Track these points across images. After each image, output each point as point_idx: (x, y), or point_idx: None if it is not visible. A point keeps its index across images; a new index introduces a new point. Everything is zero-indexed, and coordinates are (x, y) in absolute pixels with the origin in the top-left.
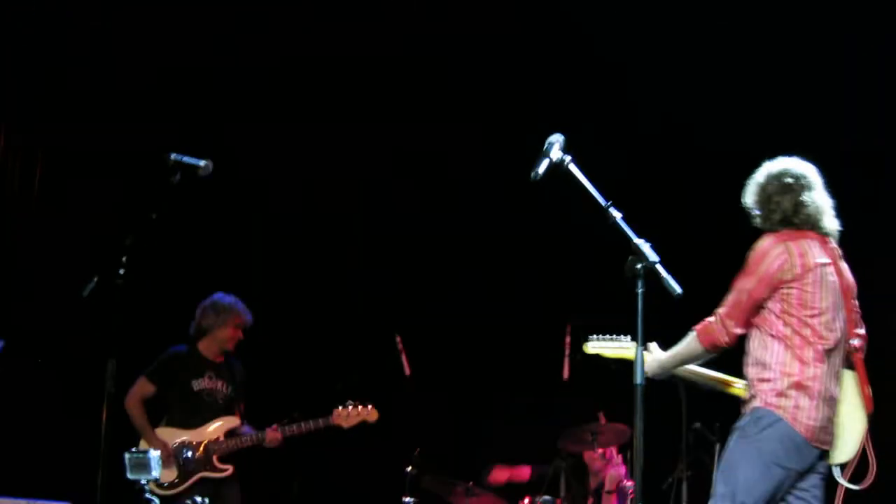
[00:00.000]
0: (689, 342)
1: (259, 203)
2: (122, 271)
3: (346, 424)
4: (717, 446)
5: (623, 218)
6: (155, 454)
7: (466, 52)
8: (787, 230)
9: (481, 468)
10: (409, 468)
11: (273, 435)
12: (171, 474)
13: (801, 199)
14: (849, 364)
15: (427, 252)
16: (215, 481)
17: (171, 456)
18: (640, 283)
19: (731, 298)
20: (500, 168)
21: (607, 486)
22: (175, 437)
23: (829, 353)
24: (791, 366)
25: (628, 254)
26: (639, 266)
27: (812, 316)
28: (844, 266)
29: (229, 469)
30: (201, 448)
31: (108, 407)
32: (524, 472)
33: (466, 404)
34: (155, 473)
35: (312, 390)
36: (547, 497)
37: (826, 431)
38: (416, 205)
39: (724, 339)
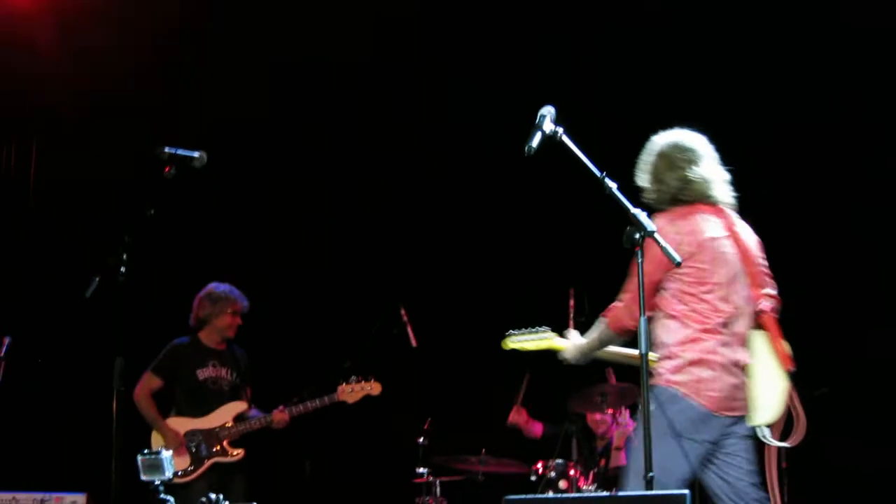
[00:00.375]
0: (602, 329)
1: (257, 181)
2: (122, 269)
3: (350, 400)
4: None
5: (619, 188)
6: (167, 454)
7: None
8: (678, 207)
9: (493, 435)
10: (421, 439)
11: (280, 416)
12: (184, 462)
13: (687, 174)
14: (760, 325)
15: (430, 222)
16: (226, 467)
17: (183, 444)
18: (639, 253)
19: (632, 284)
20: (503, 134)
21: (615, 443)
22: (185, 426)
23: (727, 324)
24: (688, 343)
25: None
26: (637, 236)
27: (708, 292)
28: (743, 229)
29: (240, 453)
30: (212, 435)
31: (118, 403)
32: (537, 428)
33: (475, 372)
34: (168, 473)
35: (319, 369)
36: (559, 460)
37: (733, 398)
38: (419, 175)
39: (631, 323)
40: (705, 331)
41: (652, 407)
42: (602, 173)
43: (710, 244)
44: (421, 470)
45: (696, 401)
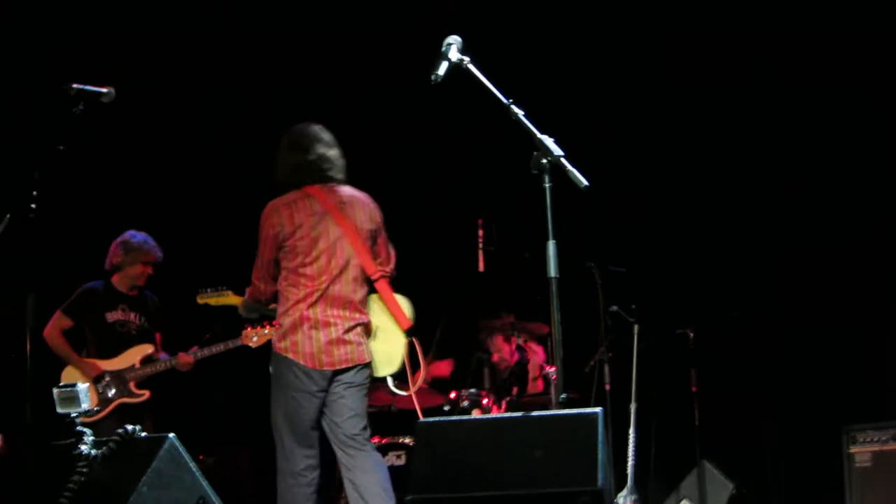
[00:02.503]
0: (246, 295)
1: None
2: (33, 206)
3: (253, 344)
4: (635, 327)
5: (525, 115)
6: (83, 387)
7: None
8: (291, 192)
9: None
10: None
11: (185, 359)
12: (91, 402)
13: (295, 161)
14: (376, 290)
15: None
16: (133, 407)
17: (91, 384)
18: (546, 178)
19: (256, 261)
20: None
21: (532, 374)
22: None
23: (325, 291)
24: (289, 310)
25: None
26: (544, 161)
27: (305, 264)
28: (356, 208)
29: (146, 394)
30: (118, 376)
31: (31, 340)
32: (443, 368)
33: None
34: (84, 405)
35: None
36: (472, 390)
37: (330, 353)
38: (329, 101)
39: (261, 296)
40: (301, 300)
41: (271, 369)
42: (508, 100)
43: (307, 223)
44: None
45: (297, 360)
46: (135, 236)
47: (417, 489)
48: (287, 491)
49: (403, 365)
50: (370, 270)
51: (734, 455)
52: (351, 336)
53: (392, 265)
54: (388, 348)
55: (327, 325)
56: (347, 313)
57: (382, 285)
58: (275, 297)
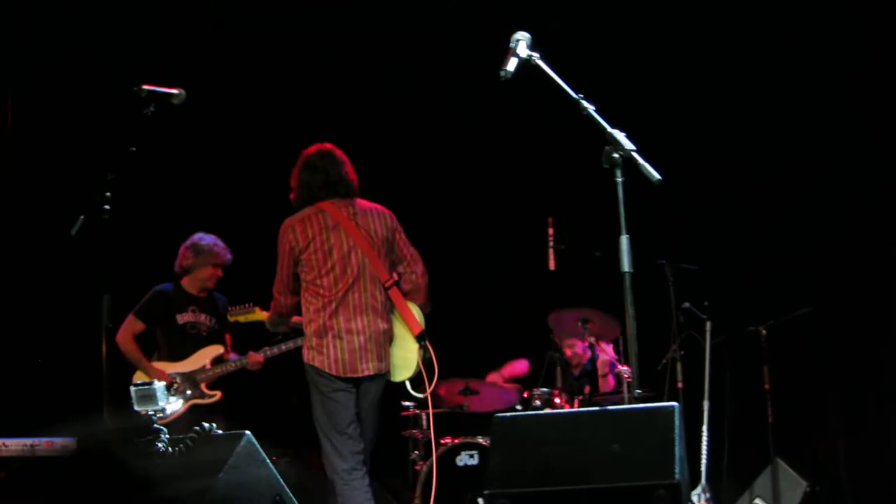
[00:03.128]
0: (270, 310)
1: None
2: (107, 207)
3: None
4: (708, 324)
5: (596, 109)
6: (160, 384)
7: None
8: (305, 209)
9: (476, 365)
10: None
11: (255, 358)
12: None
13: (306, 179)
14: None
15: (406, 149)
16: (205, 408)
17: (168, 384)
18: (618, 172)
19: (276, 276)
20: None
21: (600, 371)
22: (165, 370)
23: (342, 299)
24: (312, 320)
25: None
26: (615, 155)
27: (321, 276)
28: (368, 218)
29: (217, 395)
30: (190, 377)
31: (107, 341)
32: (520, 367)
33: (456, 301)
34: (161, 403)
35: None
36: (544, 389)
37: (353, 361)
38: (398, 102)
39: (282, 309)
40: (321, 309)
41: (307, 377)
42: (578, 95)
43: (319, 237)
44: (407, 403)
45: (323, 368)
46: (204, 238)
47: (494, 484)
48: (345, 487)
49: (419, 369)
50: (383, 278)
51: (808, 453)
52: (373, 346)
53: (420, 265)
54: (404, 353)
55: (350, 332)
56: (369, 320)
57: (395, 292)
58: (297, 310)
